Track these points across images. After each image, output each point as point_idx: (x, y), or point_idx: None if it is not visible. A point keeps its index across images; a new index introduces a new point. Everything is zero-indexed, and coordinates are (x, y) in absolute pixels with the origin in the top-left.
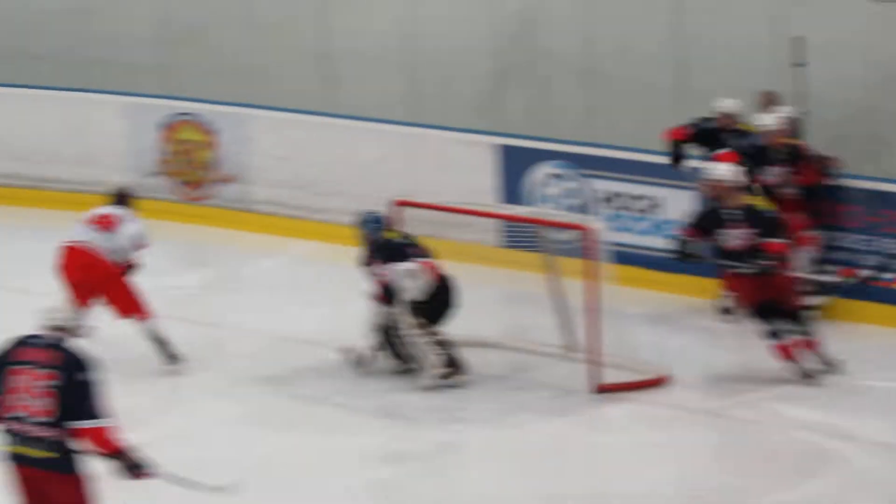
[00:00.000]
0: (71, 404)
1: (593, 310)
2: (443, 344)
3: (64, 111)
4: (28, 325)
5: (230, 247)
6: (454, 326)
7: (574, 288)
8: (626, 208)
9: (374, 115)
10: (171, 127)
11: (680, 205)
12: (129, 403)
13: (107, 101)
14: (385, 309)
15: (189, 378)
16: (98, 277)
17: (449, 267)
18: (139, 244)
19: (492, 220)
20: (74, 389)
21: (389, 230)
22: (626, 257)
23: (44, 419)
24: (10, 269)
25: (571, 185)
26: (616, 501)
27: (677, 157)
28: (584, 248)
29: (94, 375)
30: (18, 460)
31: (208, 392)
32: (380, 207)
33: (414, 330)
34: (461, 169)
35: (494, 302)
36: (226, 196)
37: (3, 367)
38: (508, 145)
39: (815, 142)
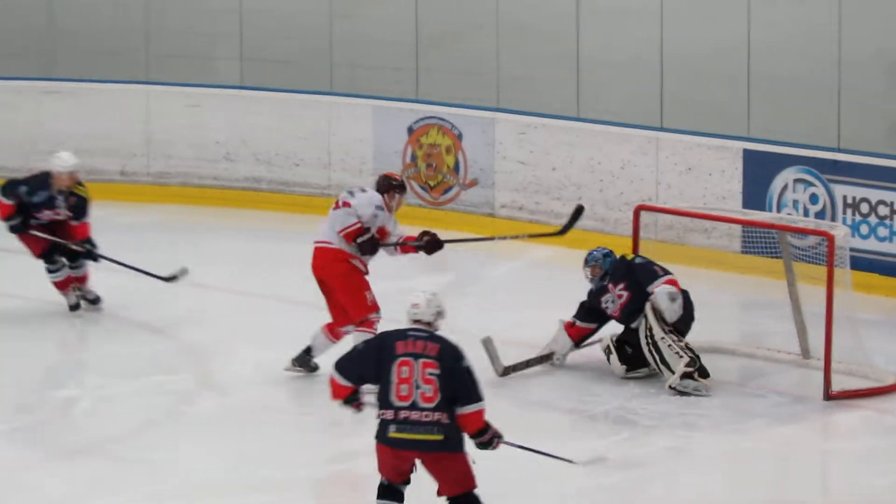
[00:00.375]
0: (450, 390)
1: (831, 316)
2: (689, 349)
3: (309, 114)
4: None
5: (471, 251)
6: (691, 332)
7: (811, 294)
8: (869, 214)
9: (619, 120)
10: (418, 130)
11: None
12: None
13: (354, 104)
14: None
15: None
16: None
17: (689, 272)
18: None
19: (732, 226)
20: (453, 377)
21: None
22: (866, 263)
23: (428, 405)
24: (251, 272)
25: (815, 190)
26: None
27: None
28: (827, 255)
29: (467, 363)
30: (404, 445)
31: None
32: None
33: (661, 337)
34: (708, 174)
35: (732, 307)
36: (468, 200)
37: (389, 360)
38: (753, 150)
39: None
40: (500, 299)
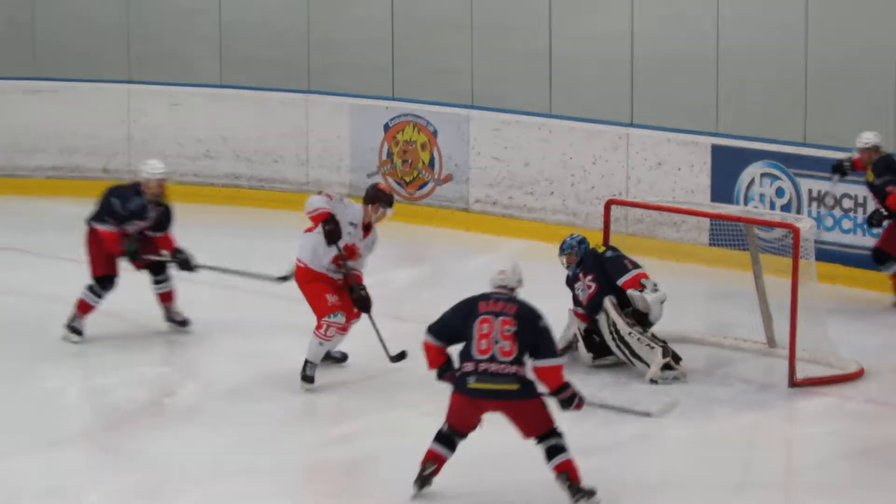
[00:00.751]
0: (527, 346)
1: (796, 306)
2: (656, 339)
3: (287, 112)
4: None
5: (445, 245)
6: (660, 322)
7: (777, 285)
8: (834, 207)
9: (590, 116)
10: (394, 127)
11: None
12: None
13: (332, 102)
14: (588, 319)
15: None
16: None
17: (658, 264)
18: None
19: (701, 219)
20: (530, 334)
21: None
22: (830, 255)
23: (505, 359)
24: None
25: (782, 184)
26: (803, 491)
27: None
28: (792, 246)
29: (544, 323)
30: (483, 394)
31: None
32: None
33: (629, 332)
34: (677, 168)
35: (700, 298)
36: (443, 195)
37: (473, 318)
38: (721, 145)
39: None
40: (475, 290)
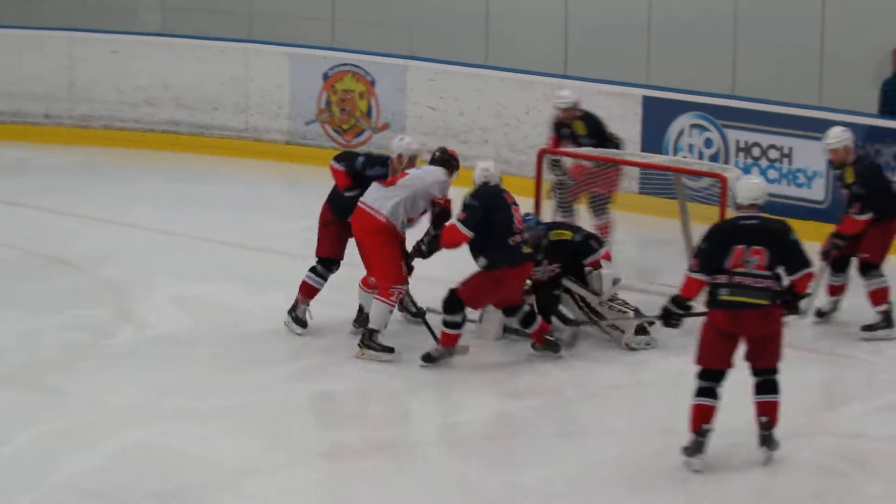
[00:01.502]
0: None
1: None
2: (629, 305)
3: (228, 60)
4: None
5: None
6: None
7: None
8: (760, 157)
9: (524, 68)
10: (333, 77)
11: (809, 155)
12: None
13: (272, 51)
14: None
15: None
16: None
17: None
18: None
19: (631, 168)
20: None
21: (557, 230)
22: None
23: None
24: (171, 211)
25: (710, 135)
26: (723, 431)
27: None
28: (719, 195)
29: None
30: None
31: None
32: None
33: (599, 302)
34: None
35: (630, 245)
36: (380, 143)
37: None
38: (652, 97)
39: None
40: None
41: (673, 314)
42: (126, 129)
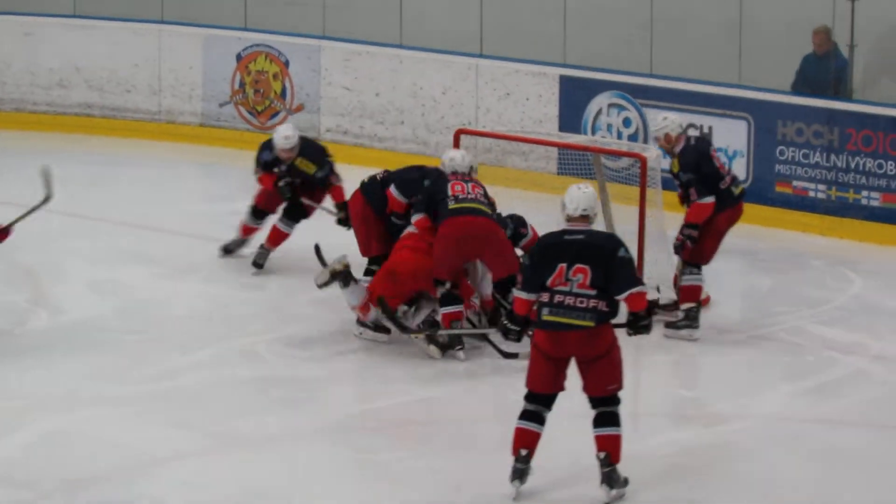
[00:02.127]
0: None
1: (643, 234)
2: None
3: (140, 42)
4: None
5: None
6: None
7: (625, 213)
8: None
9: (440, 47)
10: (246, 57)
11: (729, 133)
12: None
13: (184, 32)
14: None
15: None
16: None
17: (508, 193)
18: None
19: (549, 148)
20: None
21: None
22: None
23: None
24: (77, 195)
25: (629, 114)
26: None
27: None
28: (639, 175)
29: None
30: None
31: None
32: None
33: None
34: (525, 98)
35: (549, 227)
36: (295, 125)
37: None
38: (569, 76)
39: None
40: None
41: (510, 331)
42: (38, 111)
